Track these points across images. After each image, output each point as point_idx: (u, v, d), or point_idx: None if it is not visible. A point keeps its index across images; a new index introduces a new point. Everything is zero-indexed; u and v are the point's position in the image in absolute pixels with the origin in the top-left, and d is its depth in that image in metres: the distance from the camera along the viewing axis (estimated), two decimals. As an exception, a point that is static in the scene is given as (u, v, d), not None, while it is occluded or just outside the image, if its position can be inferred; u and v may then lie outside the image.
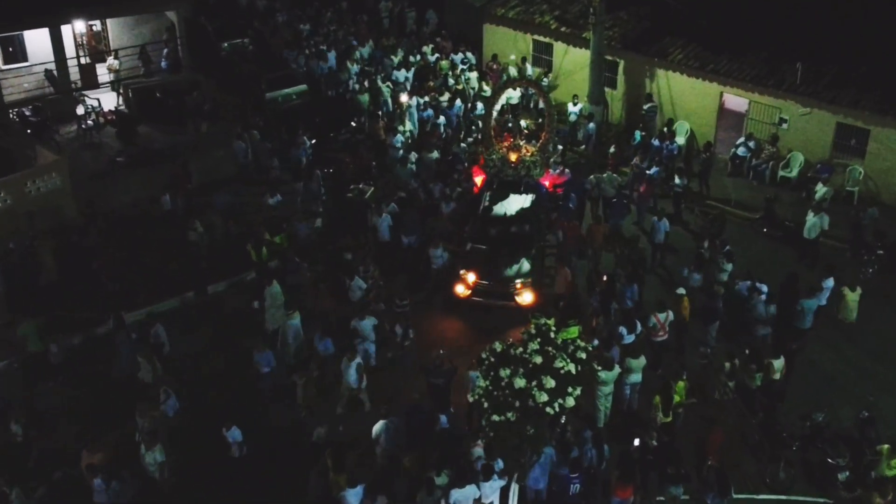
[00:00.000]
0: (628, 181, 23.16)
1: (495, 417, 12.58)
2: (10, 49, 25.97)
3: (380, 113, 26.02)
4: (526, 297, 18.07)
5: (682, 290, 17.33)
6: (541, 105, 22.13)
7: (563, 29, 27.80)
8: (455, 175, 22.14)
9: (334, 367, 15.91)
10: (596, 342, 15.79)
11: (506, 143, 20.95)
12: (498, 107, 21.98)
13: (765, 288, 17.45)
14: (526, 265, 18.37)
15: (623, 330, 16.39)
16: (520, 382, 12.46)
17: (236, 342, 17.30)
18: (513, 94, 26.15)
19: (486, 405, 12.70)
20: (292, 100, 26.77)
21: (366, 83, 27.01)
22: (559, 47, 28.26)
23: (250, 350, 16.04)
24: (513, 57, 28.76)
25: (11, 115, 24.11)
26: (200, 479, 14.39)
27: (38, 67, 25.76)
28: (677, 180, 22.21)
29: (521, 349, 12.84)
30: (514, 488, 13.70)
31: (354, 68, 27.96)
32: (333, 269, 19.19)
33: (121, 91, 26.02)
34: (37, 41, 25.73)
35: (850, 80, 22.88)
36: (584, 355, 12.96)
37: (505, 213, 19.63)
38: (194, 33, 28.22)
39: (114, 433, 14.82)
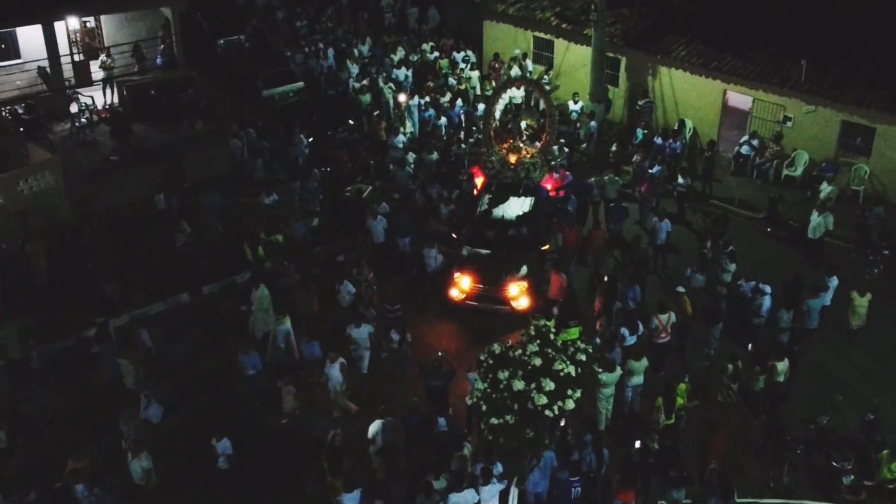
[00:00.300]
0: (630, 180, 22.98)
1: (494, 420, 12.50)
2: (3, 46, 25.74)
3: (376, 113, 25.77)
4: (522, 302, 17.78)
5: (681, 289, 17.20)
6: (541, 105, 21.87)
7: (564, 25, 27.63)
8: (458, 176, 21.82)
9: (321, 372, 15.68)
10: (598, 341, 15.78)
11: (505, 145, 20.66)
12: (501, 106, 21.67)
13: (768, 289, 17.26)
14: (523, 269, 18.07)
15: (625, 331, 16.25)
16: (519, 385, 12.40)
17: (228, 344, 16.99)
18: (516, 94, 25.91)
19: (484, 408, 12.59)
20: (289, 97, 26.58)
21: (366, 82, 26.77)
22: (560, 44, 28.08)
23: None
24: (518, 51, 28.53)
25: (4, 113, 23.88)
26: (189, 486, 14.16)
27: (31, 65, 25.55)
28: (680, 180, 22.05)
29: (520, 351, 12.75)
30: (514, 492, 13.58)
31: (354, 67, 27.70)
32: (325, 272, 18.89)
33: (113, 89, 25.79)
34: (30, 38, 25.50)
35: (855, 78, 22.71)
36: (584, 357, 12.87)
37: (503, 216, 19.33)
38: (190, 30, 28.02)
39: (100, 440, 14.59)
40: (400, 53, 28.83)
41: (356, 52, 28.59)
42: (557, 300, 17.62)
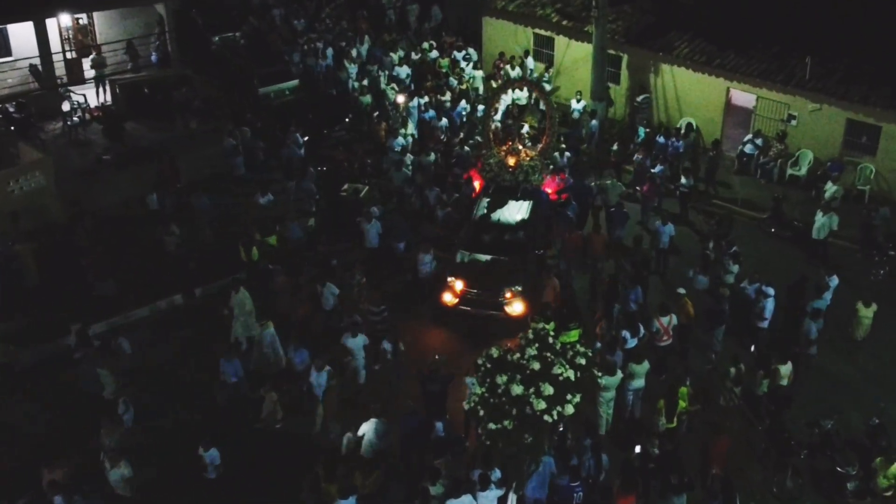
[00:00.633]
0: (631, 180, 22.77)
1: (492, 426, 12.41)
2: (-6, 43, 25.60)
3: (376, 114, 25.51)
4: (516, 308, 17.46)
5: (682, 290, 17.02)
6: (541, 107, 21.56)
7: (564, 22, 27.43)
8: (459, 178, 21.55)
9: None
10: (598, 345, 15.61)
11: (504, 147, 20.34)
12: (503, 108, 21.35)
13: (772, 291, 17.05)
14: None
15: (626, 333, 16.01)
16: (517, 389, 12.31)
17: (213, 349, 16.62)
18: (520, 95, 25.63)
19: (482, 412, 12.49)
20: (285, 95, 26.35)
21: (366, 82, 26.51)
22: (561, 41, 27.87)
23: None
24: (518, 49, 28.27)
25: (-6, 112, 23.70)
26: (177, 496, 13.87)
27: (22, 62, 25.34)
28: (683, 180, 21.85)
29: (518, 355, 12.65)
30: (512, 498, 13.38)
31: (353, 67, 27.41)
32: (317, 275, 18.53)
33: (106, 87, 25.55)
34: (21, 35, 25.25)
35: (860, 76, 22.50)
36: (583, 361, 12.76)
37: (500, 220, 19.01)
38: (184, 27, 27.85)
39: (78, 449, 14.28)
40: (400, 52, 28.56)
41: (354, 52, 28.31)
42: (552, 304, 17.28)
